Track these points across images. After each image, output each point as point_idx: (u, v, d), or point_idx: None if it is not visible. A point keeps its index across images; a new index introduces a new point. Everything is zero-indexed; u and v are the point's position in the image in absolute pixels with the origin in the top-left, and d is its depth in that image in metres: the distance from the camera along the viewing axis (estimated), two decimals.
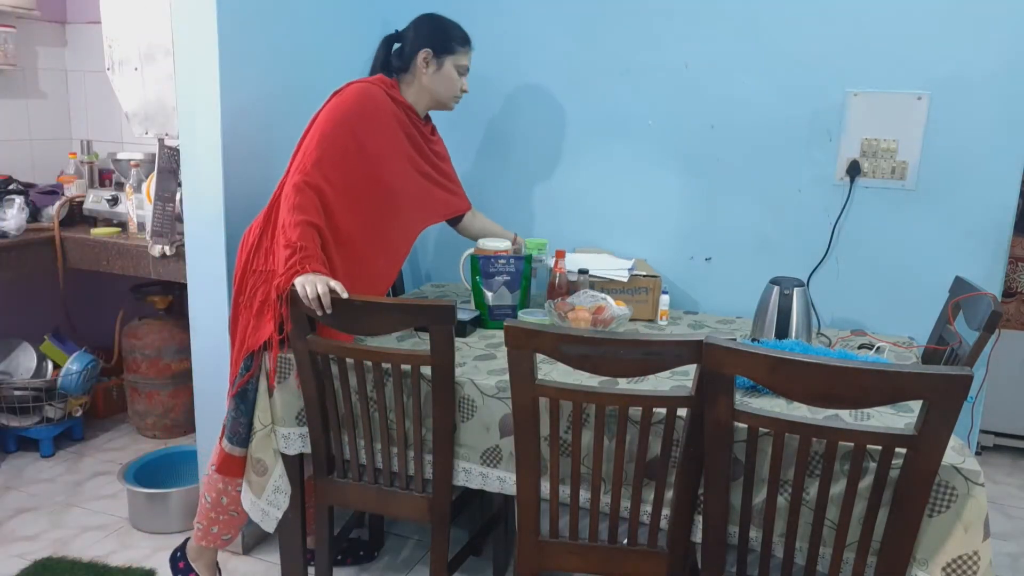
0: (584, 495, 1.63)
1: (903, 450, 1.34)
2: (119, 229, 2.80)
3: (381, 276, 2.09)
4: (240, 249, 2.00)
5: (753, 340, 2.00)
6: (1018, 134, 2.12)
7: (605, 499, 1.62)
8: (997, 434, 3.27)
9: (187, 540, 2.13)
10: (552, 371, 1.77)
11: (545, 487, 1.63)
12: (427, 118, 2.19)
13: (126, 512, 2.56)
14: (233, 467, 1.97)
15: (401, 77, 2.10)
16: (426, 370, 1.73)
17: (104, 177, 3.21)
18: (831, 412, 1.56)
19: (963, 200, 2.19)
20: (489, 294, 2.15)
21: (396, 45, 2.11)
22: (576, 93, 2.53)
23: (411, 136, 2.10)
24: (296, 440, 1.93)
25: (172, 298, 3.11)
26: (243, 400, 1.94)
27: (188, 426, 3.09)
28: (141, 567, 2.30)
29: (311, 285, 1.73)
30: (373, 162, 1.99)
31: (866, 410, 1.60)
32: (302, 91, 2.26)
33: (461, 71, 2.11)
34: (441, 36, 2.07)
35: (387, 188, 2.03)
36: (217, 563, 2.14)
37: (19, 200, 2.77)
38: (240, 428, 1.94)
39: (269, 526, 1.97)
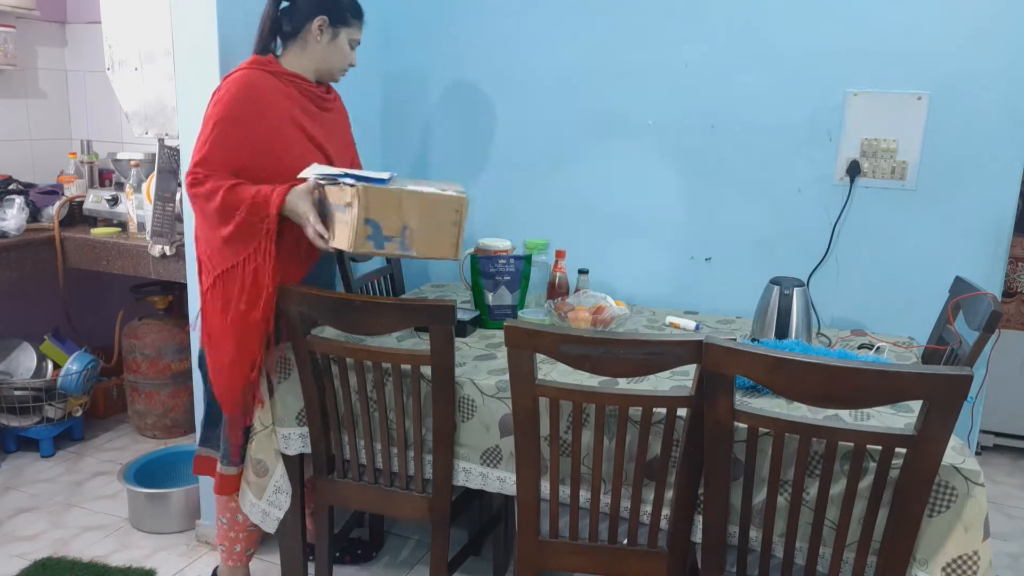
0: (584, 495, 1.63)
1: (903, 450, 1.35)
2: (119, 229, 2.81)
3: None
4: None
5: (753, 340, 2.00)
6: (1018, 134, 2.12)
7: (605, 499, 1.62)
8: (997, 434, 3.27)
9: (216, 567, 2.16)
10: (552, 371, 1.77)
11: (545, 487, 1.63)
12: (319, 81, 2.01)
13: (126, 512, 2.56)
14: (230, 485, 1.98)
15: (288, 44, 1.94)
16: (426, 370, 1.73)
17: (104, 177, 3.22)
18: (831, 412, 1.55)
19: (963, 200, 2.19)
20: (489, 294, 2.14)
21: (284, 3, 1.95)
22: (576, 93, 2.53)
23: (306, 108, 1.94)
24: (296, 440, 1.93)
25: (172, 298, 3.11)
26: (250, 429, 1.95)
27: (188, 426, 3.09)
28: (141, 567, 2.30)
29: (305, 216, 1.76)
30: (271, 146, 1.86)
31: (866, 410, 1.60)
32: None
33: (353, 44, 1.99)
34: (335, 5, 1.94)
35: (291, 168, 1.87)
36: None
37: (19, 200, 2.77)
38: (240, 453, 1.96)
39: (270, 527, 1.97)
